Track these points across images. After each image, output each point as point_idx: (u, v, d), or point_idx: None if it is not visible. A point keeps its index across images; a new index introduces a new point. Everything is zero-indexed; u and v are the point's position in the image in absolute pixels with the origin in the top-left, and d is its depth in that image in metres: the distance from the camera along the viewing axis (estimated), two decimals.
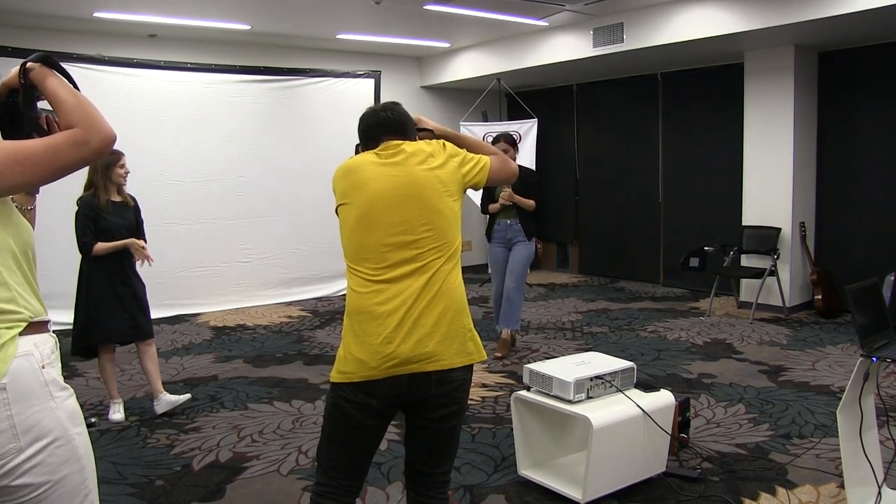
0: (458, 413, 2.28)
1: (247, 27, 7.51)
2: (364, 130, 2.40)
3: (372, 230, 2.21)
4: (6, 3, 6.28)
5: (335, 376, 2.21)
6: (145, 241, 4.58)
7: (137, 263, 4.56)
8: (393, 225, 2.20)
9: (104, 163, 4.40)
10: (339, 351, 2.23)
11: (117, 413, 4.51)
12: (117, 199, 4.51)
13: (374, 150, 2.33)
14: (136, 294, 4.57)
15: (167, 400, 4.57)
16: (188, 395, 4.69)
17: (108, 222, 4.40)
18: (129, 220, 4.53)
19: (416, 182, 2.24)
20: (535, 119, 9.22)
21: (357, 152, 2.43)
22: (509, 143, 5.63)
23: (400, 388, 2.15)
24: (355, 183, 2.25)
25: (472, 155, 2.41)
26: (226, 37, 8.02)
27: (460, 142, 2.52)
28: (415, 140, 2.39)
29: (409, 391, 2.16)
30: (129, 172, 4.55)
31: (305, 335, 6.73)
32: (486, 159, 2.43)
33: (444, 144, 2.37)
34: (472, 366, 2.27)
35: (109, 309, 4.42)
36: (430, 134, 2.51)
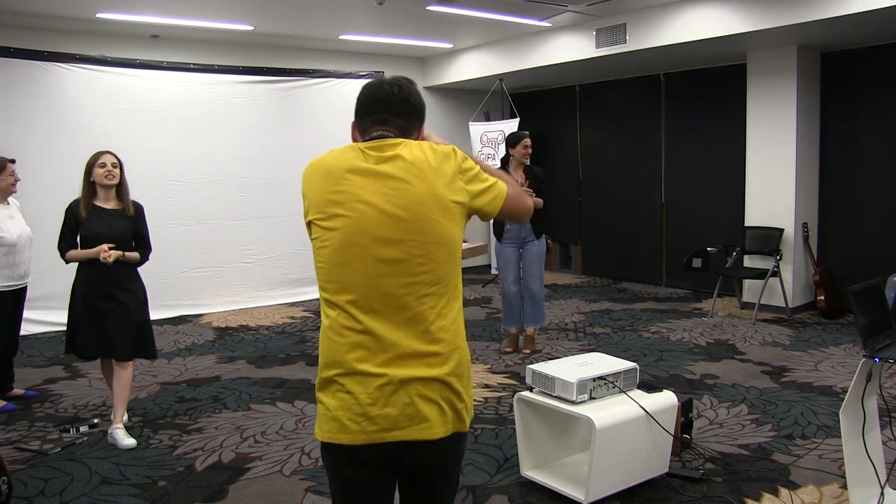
0: (453, 476, 1.96)
1: (249, 28, 7.51)
2: (362, 102, 1.93)
3: (355, 265, 1.77)
4: (8, 3, 6.29)
5: (317, 432, 1.85)
6: (143, 255, 4.27)
7: (101, 256, 4.05)
8: (382, 261, 1.76)
9: (88, 164, 4.15)
10: (318, 404, 1.85)
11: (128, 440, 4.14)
12: (111, 205, 4.19)
13: (361, 146, 1.84)
14: (116, 310, 4.12)
15: (114, 434, 4.09)
16: (133, 443, 4.06)
17: (86, 230, 4.11)
18: (117, 230, 4.14)
19: (415, 205, 1.77)
20: (518, 118, 9.20)
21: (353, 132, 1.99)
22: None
23: (385, 454, 1.79)
24: (337, 198, 1.79)
25: (486, 175, 1.92)
26: (228, 37, 8.03)
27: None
28: (417, 136, 1.93)
29: (397, 457, 1.81)
30: (110, 172, 4.13)
31: (308, 336, 6.73)
32: (501, 186, 1.94)
33: (455, 152, 1.87)
34: (465, 434, 1.91)
35: (84, 321, 4.13)
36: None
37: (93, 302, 4.11)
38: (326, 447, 1.83)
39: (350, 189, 1.78)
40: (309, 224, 1.85)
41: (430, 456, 1.84)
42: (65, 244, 4.16)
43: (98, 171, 4.11)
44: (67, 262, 4.20)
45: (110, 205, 4.19)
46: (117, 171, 4.17)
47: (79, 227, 4.12)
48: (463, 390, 1.86)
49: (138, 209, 4.29)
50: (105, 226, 4.12)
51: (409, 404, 1.77)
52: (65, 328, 4.32)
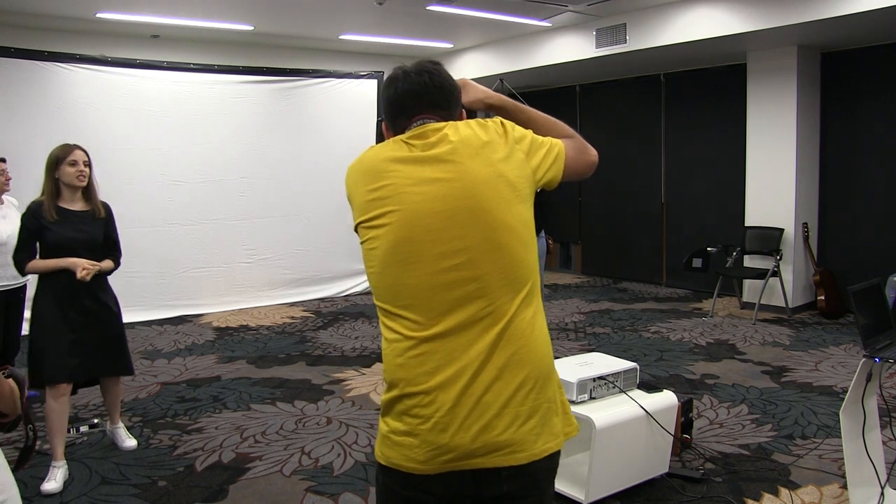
0: (540, 497, 1.66)
1: (249, 28, 7.51)
2: (390, 101, 1.68)
3: (413, 265, 1.54)
4: (8, 3, 6.29)
5: (378, 455, 1.63)
6: (117, 262, 3.77)
7: (78, 273, 3.51)
8: (444, 256, 1.53)
9: (52, 161, 3.57)
10: (381, 423, 1.64)
11: (52, 482, 3.50)
12: (78, 207, 3.64)
13: (403, 138, 1.62)
14: (93, 324, 3.66)
15: (115, 433, 4.03)
16: (134, 444, 4.01)
17: (56, 236, 3.53)
18: (90, 234, 3.63)
19: (474, 187, 1.54)
20: None
21: (379, 132, 1.78)
22: None
23: (461, 486, 1.56)
24: (382, 193, 1.57)
25: (540, 139, 1.69)
26: (228, 37, 8.03)
27: (522, 115, 1.80)
28: (459, 119, 1.70)
29: (476, 489, 1.57)
30: (83, 172, 3.60)
31: (308, 336, 6.73)
32: (559, 145, 1.71)
33: (502, 124, 1.64)
34: (558, 452, 1.63)
35: (56, 341, 3.54)
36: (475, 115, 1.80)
37: (68, 316, 3.59)
38: (386, 471, 1.61)
39: (396, 181, 1.56)
40: (357, 229, 1.64)
41: (518, 485, 1.57)
42: (24, 254, 3.56)
43: (69, 170, 3.56)
44: (25, 273, 3.65)
45: (77, 206, 3.64)
46: (88, 170, 3.64)
47: (42, 233, 3.54)
48: (556, 396, 1.62)
49: (108, 210, 3.77)
50: (76, 230, 3.59)
51: (487, 426, 1.52)
52: None
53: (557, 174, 1.69)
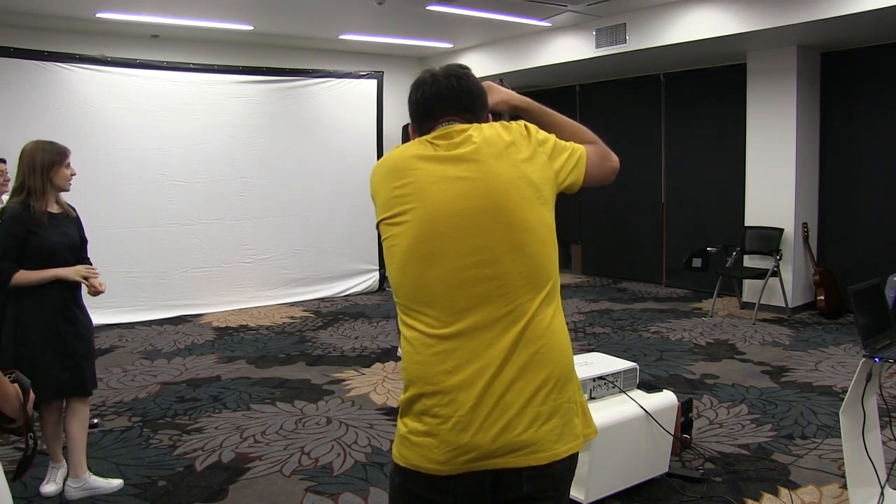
0: (558, 499, 1.65)
1: (249, 28, 7.51)
2: (417, 103, 1.70)
3: (434, 262, 1.55)
4: (8, 3, 6.30)
5: (396, 456, 1.61)
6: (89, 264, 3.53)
7: (84, 290, 3.37)
8: (466, 253, 1.54)
9: (47, 161, 3.28)
10: (399, 424, 1.63)
11: (51, 483, 3.49)
12: (55, 209, 3.37)
13: (428, 138, 1.64)
14: (81, 335, 3.41)
15: (93, 484, 3.46)
16: (120, 483, 3.54)
17: (45, 241, 3.26)
18: (71, 238, 3.40)
19: (497, 186, 1.56)
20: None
21: (405, 134, 1.79)
22: None
23: (481, 487, 1.55)
24: (405, 190, 1.58)
25: (563, 143, 1.72)
26: (228, 37, 8.03)
27: (546, 118, 1.83)
28: (485, 122, 1.71)
29: (495, 490, 1.56)
30: (75, 174, 3.44)
31: (308, 336, 6.73)
32: (581, 150, 1.73)
33: (526, 127, 1.66)
34: (578, 452, 1.63)
35: (51, 355, 3.28)
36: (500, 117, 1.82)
37: (61, 329, 3.33)
38: (403, 473, 1.59)
39: (419, 179, 1.58)
40: (379, 226, 1.66)
41: (537, 487, 1.56)
42: (8, 263, 3.20)
43: (65, 173, 3.35)
44: (9, 286, 3.23)
45: (55, 208, 3.39)
46: None
47: (27, 238, 3.23)
48: (576, 396, 1.62)
49: (75, 210, 3.53)
50: (60, 234, 3.35)
51: (508, 425, 1.51)
52: None
53: (578, 179, 1.72)
